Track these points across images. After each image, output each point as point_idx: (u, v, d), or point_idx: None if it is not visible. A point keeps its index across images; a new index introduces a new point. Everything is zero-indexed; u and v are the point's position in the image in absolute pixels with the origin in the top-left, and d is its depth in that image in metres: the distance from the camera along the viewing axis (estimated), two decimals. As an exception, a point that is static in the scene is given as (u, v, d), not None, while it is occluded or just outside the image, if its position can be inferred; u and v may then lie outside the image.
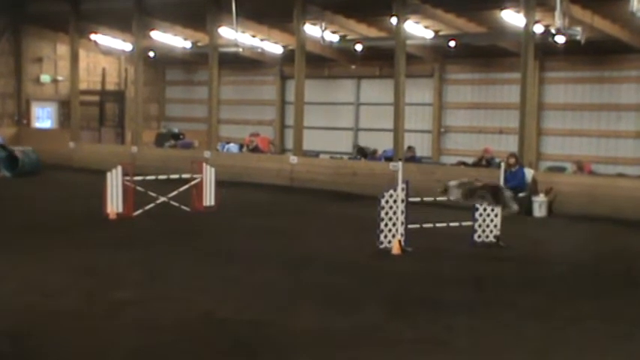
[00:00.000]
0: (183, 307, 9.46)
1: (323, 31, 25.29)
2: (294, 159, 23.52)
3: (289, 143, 29.21)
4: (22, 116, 31.74)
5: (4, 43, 30.96)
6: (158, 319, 8.97)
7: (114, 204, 16.48)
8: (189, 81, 35.36)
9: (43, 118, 33.00)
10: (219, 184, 18.52)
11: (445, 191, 13.95)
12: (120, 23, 29.15)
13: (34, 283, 10.51)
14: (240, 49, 26.79)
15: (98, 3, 27.76)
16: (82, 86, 30.84)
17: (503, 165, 15.77)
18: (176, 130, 32.45)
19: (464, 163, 24.06)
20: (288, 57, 27.57)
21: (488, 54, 25.86)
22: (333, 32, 26.13)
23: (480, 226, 14.26)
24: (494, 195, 13.73)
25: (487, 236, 14.26)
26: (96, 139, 31.48)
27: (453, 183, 13.91)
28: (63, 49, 32.27)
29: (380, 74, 29.09)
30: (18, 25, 31.13)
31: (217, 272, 11.60)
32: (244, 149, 27.12)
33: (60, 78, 32.66)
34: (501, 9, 20.98)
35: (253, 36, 27.91)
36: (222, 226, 16.15)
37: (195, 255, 12.90)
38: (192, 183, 18.04)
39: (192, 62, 33.65)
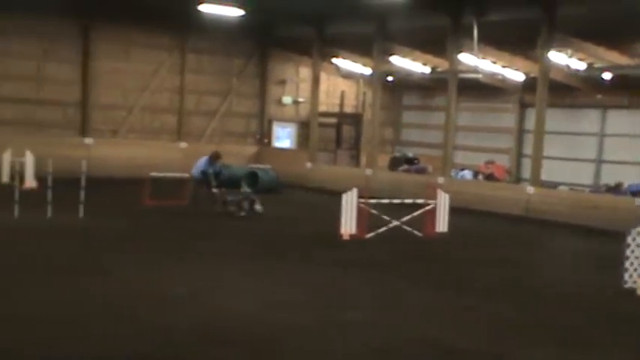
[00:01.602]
0: (413, 333, 9.18)
1: (569, 58, 24.17)
2: (530, 189, 22.57)
3: (526, 172, 28.20)
4: (264, 136, 33.13)
5: (252, 66, 32.54)
6: (388, 343, 8.77)
7: (348, 225, 16.55)
8: (425, 106, 35.28)
9: (283, 138, 34.26)
10: (452, 210, 18.10)
11: None
12: (361, 48, 29.65)
13: (264, 297, 10.68)
14: (480, 76, 26.26)
15: (341, 28, 28.42)
16: (321, 108, 31.67)
17: None
18: (410, 155, 32.42)
19: None
20: (530, 84, 26.66)
21: None
22: (580, 60, 24.91)
23: None
24: None
25: None
26: (331, 161, 32.14)
27: None
28: (305, 72, 33.39)
29: (629, 104, 27.35)
30: (265, 49, 32.61)
31: (448, 300, 11.24)
32: (479, 177, 26.47)
33: (301, 100, 33.83)
34: None
35: (494, 62, 27.27)
36: (454, 253, 15.73)
37: (425, 281, 12.62)
38: (426, 208, 17.75)
39: (429, 87, 33.56)
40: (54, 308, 9.38)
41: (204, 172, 19.65)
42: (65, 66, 28.57)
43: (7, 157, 23.37)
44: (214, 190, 19.64)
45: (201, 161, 19.84)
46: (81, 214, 17.01)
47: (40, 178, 21.22)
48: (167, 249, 14.25)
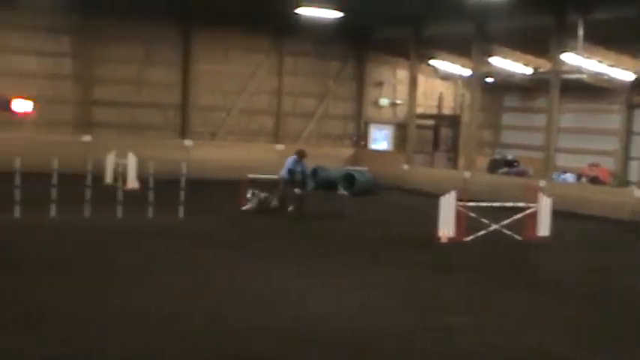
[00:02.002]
0: (516, 339, 8.92)
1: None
2: (638, 192, 21.70)
3: (633, 175, 27.15)
4: (360, 138, 33.02)
5: (349, 68, 32.48)
6: (485, 348, 8.55)
7: (446, 228, 16.26)
8: (526, 108, 34.47)
9: (380, 140, 34.08)
10: (554, 214, 17.54)
11: None
12: (459, 49, 29.20)
13: (360, 300, 10.55)
14: (585, 76, 25.45)
15: (439, 29, 28.05)
16: (419, 110, 31.34)
17: None
18: (510, 157, 31.72)
19: None
20: (638, 85, 25.65)
21: None
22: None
23: None
24: None
25: None
26: (428, 163, 31.77)
27: None
28: (402, 74, 33.12)
29: None
30: (362, 51, 32.50)
31: (547, 306, 10.90)
32: (582, 180, 25.65)
33: (398, 102, 33.57)
34: None
35: (600, 62, 26.38)
36: (555, 258, 15.26)
37: (525, 285, 12.28)
38: (527, 212, 17.26)
39: (530, 89, 32.76)
40: (154, 307, 9.47)
41: (290, 171, 19.58)
42: (166, 69, 29.19)
43: (110, 158, 23.97)
44: (296, 190, 19.44)
45: (289, 161, 19.80)
46: (181, 214, 17.27)
47: (141, 179, 21.68)
48: (260, 250, 14.29)
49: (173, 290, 10.45)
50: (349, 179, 26.15)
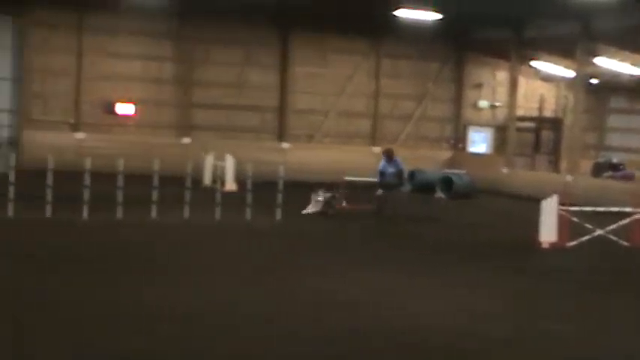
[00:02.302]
0: (624, 348, 8.56)
1: None
2: None
3: None
4: (458, 140, 32.53)
5: (447, 70, 32.06)
6: (592, 356, 8.26)
7: (548, 233, 15.78)
8: (634, 109, 33.24)
9: (478, 142, 33.49)
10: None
11: None
12: (562, 49, 28.40)
13: (463, 305, 10.30)
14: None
15: (542, 30, 27.33)
16: (519, 112, 30.63)
17: None
18: (615, 160, 30.65)
19: None
20: None
21: None
22: None
23: None
24: None
25: None
26: (528, 166, 31.04)
27: None
28: (502, 76, 32.45)
29: None
30: (461, 53, 32.01)
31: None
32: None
33: (497, 104, 32.91)
34: None
35: None
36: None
37: (632, 293, 11.83)
38: (635, 217, 16.57)
39: (639, 90, 31.56)
40: (245, 307, 9.47)
41: (381, 173, 19.32)
42: (264, 72, 29.46)
43: (209, 160, 24.34)
44: (379, 192, 19.05)
45: (380, 164, 19.54)
46: (278, 216, 17.34)
47: (239, 181, 21.92)
48: (356, 252, 14.22)
49: (269, 291, 10.44)
50: (447, 182, 25.78)
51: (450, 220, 20.13)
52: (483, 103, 32.86)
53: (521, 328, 9.26)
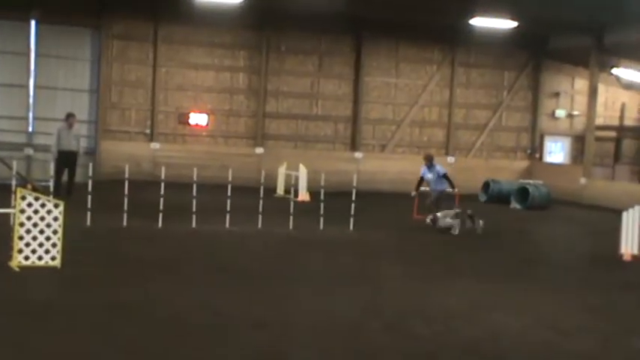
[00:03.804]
0: None
1: None
2: None
3: None
4: (535, 150, 31.85)
5: (523, 78, 31.44)
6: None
7: (629, 245, 15.24)
8: None
9: (555, 152, 32.74)
10: None
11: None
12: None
13: (546, 319, 9.96)
14: None
15: (624, 36, 26.52)
16: (598, 121, 29.79)
17: None
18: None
19: None
20: None
21: None
22: None
23: None
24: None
25: None
26: (608, 176, 30.18)
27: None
28: (580, 84, 31.69)
29: None
30: (538, 61, 31.36)
31: None
32: None
33: (575, 113, 32.12)
34: None
35: None
36: None
37: None
38: None
39: None
40: (327, 317, 9.34)
41: (421, 179, 19.05)
42: (337, 82, 29.41)
43: (282, 170, 24.38)
44: (429, 202, 18.81)
45: (422, 169, 19.23)
46: (351, 227, 17.19)
47: (312, 191, 21.87)
48: (433, 264, 13.95)
49: (349, 302, 10.27)
50: (523, 193, 25.24)
51: (527, 232, 19.65)
52: (561, 112, 32.10)
53: (608, 343, 8.90)
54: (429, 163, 19.03)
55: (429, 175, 18.98)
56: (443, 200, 18.97)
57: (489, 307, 10.52)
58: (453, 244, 16.62)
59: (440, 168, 19.14)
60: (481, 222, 17.98)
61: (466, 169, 29.63)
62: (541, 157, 32.15)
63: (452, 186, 19.06)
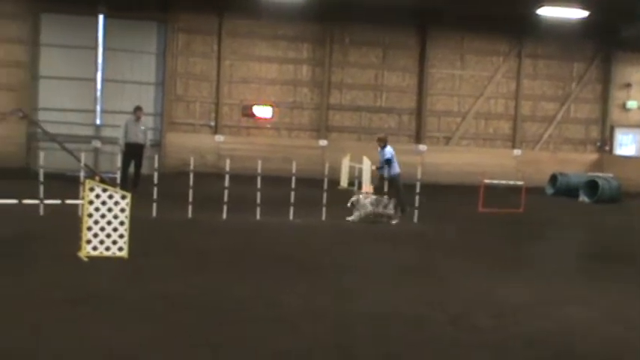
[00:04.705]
0: None
1: None
2: None
3: None
4: (605, 143, 31.10)
5: (593, 69, 30.70)
6: None
7: None
8: None
9: (627, 144, 31.91)
10: None
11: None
12: None
13: (615, 313, 9.75)
14: None
15: None
16: (672, 113, 28.95)
17: None
18: None
19: None
20: None
21: None
22: None
23: None
24: None
25: None
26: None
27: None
28: (652, 75, 30.84)
29: None
30: (608, 51, 30.58)
31: None
32: None
33: (646, 104, 31.27)
34: None
35: None
36: None
37: None
38: None
39: None
40: (390, 309, 9.23)
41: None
42: (401, 74, 29.18)
43: (346, 162, 24.30)
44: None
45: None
46: (415, 219, 17.04)
47: (375, 183, 21.76)
48: (499, 256, 13.70)
49: (412, 294, 10.16)
50: (592, 186, 24.66)
51: (595, 226, 19.19)
52: (632, 104, 31.25)
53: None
54: (382, 145, 18.29)
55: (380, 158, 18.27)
56: (397, 186, 17.87)
57: (556, 300, 10.30)
58: (518, 237, 16.34)
59: (387, 152, 18.11)
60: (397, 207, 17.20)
61: (533, 162, 29.18)
62: (611, 150, 31.38)
63: (379, 167, 18.28)
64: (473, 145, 29.72)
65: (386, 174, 17.84)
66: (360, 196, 17.12)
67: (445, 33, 28.99)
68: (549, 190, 26.10)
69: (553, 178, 26.38)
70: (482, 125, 30.10)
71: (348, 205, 16.99)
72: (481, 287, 10.96)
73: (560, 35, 28.49)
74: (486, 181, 20.54)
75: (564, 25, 26.61)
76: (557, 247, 15.34)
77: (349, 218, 16.78)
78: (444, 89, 29.52)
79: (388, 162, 17.92)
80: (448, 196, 23.49)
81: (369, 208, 16.74)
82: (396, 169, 18.01)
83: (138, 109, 20.87)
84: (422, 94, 29.14)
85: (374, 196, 17.07)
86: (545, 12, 24.63)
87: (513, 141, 30.05)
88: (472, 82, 29.73)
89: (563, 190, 25.48)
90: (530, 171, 27.18)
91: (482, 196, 19.84)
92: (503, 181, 21.97)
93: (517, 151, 29.54)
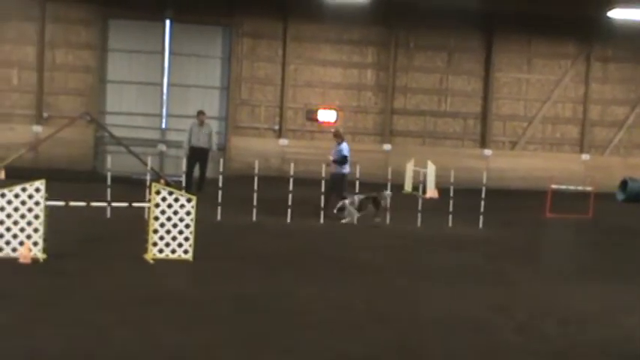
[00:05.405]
0: None
1: None
2: None
3: None
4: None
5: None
6: None
7: None
8: None
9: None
10: None
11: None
12: None
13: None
14: None
15: None
16: None
17: None
18: None
19: None
20: None
21: None
22: None
23: None
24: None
25: None
26: None
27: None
28: None
29: None
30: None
31: None
32: None
33: None
34: None
35: None
36: None
37: None
38: None
39: None
40: (455, 314, 9.09)
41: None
42: (467, 78, 28.86)
43: (410, 167, 24.13)
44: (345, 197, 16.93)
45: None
46: (480, 225, 16.79)
47: (440, 188, 21.54)
48: (565, 263, 13.43)
49: (477, 300, 10.00)
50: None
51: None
52: None
53: None
54: (339, 140, 17.80)
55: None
56: (341, 185, 17.40)
57: (623, 309, 10.02)
58: (585, 243, 15.97)
59: (344, 148, 17.61)
60: (387, 198, 16.81)
61: (602, 167, 28.53)
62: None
63: (335, 161, 17.53)
64: (540, 150, 29.21)
65: (345, 170, 17.45)
66: (346, 201, 16.77)
67: (511, 36, 28.58)
68: (620, 196, 25.50)
69: (623, 184, 25.76)
70: (550, 130, 29.56)
71: (335, 211, 16.77)
72: (547, 294, 10.75)
73: (632, 38, 27.80)
74: (554, 186, 20.14)
75: (636, 28, 25.96)
76: (626, 254, 14.93)
77: (343, 221, 16.57)
78: (510, 93, 29.10)
79: (345, 159, 17.52)
80: (514, 202, 23.13)
81: (357, 215, 16.62)
82: (347, 167, 17.66)
83: (200, 113, 21.05)
84: (487, 98, 28.77)
85: (356, 197, 16.73)
86: (615, 14, 24.08)
87: (581, 146, 29.43)
88: (539, 86, 29.24)
89: (635, 195, 24.86)
90: (600, 176, 26.49)
91: (549, 201, 19.46)
92: (572, 187, 21.53)
93: (585, 156, 28.93)
